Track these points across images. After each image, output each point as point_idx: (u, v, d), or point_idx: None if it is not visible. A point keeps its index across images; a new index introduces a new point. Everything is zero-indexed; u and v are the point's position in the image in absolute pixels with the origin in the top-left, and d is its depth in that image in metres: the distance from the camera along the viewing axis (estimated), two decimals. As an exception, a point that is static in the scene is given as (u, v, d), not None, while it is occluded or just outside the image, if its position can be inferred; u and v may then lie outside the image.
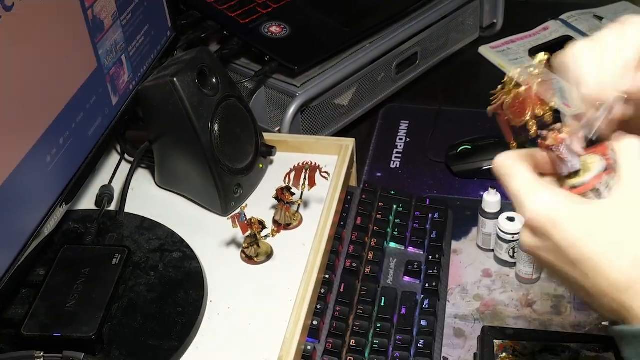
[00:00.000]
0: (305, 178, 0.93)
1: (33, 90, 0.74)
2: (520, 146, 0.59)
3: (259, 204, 0.96)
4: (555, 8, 1.46)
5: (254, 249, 0.89)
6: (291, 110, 1.10)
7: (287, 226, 0.94)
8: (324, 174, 0.93)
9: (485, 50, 1.38)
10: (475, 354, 0.87)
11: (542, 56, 0.57)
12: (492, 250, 0.99)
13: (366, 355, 0.84)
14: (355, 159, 1.06)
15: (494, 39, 1.40)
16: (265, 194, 0.97)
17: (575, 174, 0.58)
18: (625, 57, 0.57)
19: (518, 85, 0.58)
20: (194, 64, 0.93)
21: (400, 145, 1.20)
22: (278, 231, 0.91)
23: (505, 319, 0.91)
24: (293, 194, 0.93)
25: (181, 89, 0.90)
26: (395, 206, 1.02)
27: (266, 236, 0.89)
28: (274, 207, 0.95)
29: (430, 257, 0.96)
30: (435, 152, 1.17)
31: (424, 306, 0.89)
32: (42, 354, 0.74)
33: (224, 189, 0.94)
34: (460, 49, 1.37)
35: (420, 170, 1.15)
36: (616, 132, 0.58)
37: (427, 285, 0.92)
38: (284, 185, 0.92)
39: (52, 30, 0.77)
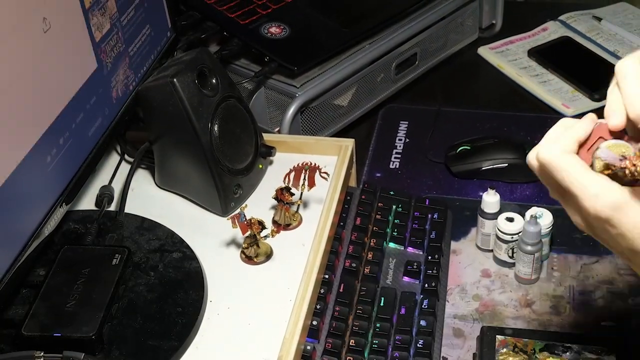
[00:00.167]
0: (304, 178, 0.93)
1: (33, 90, 0.74)
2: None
3: (259, 204, 0.96)
4: (554, 9, 1.47)
5: (253, 249, 0.90)
6: (291, 110, 1.10)
7: (287, 226, 0.94)
8: (323, 175, 0.93)
9: (484, 51, 1.38)
10: (474, 353, 0.87)
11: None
12: (491, 251, 0.99)
13: (365, 355, 0.84)
14: (354, 160, 1.06)
15: (493, 40, 1.40)
16: (265, 194, 0.97)
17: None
18: None
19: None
20: (194, 65, 0.93)
21: (400, 146, 1.20)
22: (278, 231, 0.91)
23: (504, 319, 0.91)
24: (292, 195, 0.93)
25: (181, 90, 0.90)
26: (394, 206, 1.02)
27: (266, 236, 0.89)
28: (273, 207, 0.96)
29: (430, 257, 0.96)
30: (435, 152, 1.17)
31: (423, 306, 0.89)
32: (42, 354, 0.74)
33: (223, 190, 0.94)
34: (459, 49, 1.37)
35: (420, 170, 1.15)
36: None
37: (426, 285, 0.92)
38: (283, 185, 0.92)
39: (53, 30, 0.77)
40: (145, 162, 1.03)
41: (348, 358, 0.83)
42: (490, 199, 0.98)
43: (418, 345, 0.85)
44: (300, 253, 0.90)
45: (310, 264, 0.87)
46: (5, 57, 0.69)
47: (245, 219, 0.86)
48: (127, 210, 0.96)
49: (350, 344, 0.85)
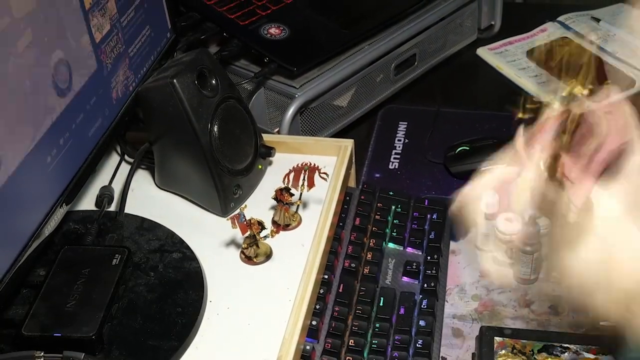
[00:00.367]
0: (304, 179, 0.93)
1: (33, 91, 0.74)
2: None
3: (258, 204, 0.96)
4: (552, 10, 1.47)
5: (253, 250, 0.90)
6: (290, 111, 1.10)
7: (286, 227, 0.94)
8: (322, 175, 0.94)
9: (483, 52, 1.38)
10: (473, 353, 0.87)
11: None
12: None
13: (365, 355, 0.84)
14: (354, 160, 1.06)
15: (492, 41, 1.40)
16: (265, 194, 0.98)
17: None
18: None
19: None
20: (194, 66, 0.93)
21: (399, 146, 1.21)
22: (277, 232, 0.91)
23: (503, 319, 0.91)
24: (292, 195, 0.93)
25: (181, 91, 0.91)
26: (393, 207, 1.02)
27: (265, 237, 0.90)
28: (273, 207, 0.96)
29: (429, 257, 0.96)
30: (434, 153, 1.18)
31: (422, 306, 0.90)
32: (42, 354, 0.74)
33: (223, 190, 0.95)
34: (458, 50, 1.37)
35: (419, 171, 1.16)
36: None
37: (425, 285, 0.93)
38: (283, 186, 0.93)
39: (53, 30, 0.77)
40: (145, 163, 1.03)
41: (347, 358, 0.83)
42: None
43: (417, 345, 0.85)
44: (299, 253, 0.90)
45: (309, 264, 0.87)
46: (5, 57, 0.69)
47: (245, 219, 0.86)
48: (127, 210, 0.96)
49: (350, 344, 0.85)
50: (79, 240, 0.91)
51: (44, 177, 0.78)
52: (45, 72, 0.76)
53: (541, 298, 0.94)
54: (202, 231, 0.94)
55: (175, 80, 0.90)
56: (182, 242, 0.92)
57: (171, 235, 0.93)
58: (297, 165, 0.93)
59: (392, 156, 1.19)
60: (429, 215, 1.02)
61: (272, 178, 1.00)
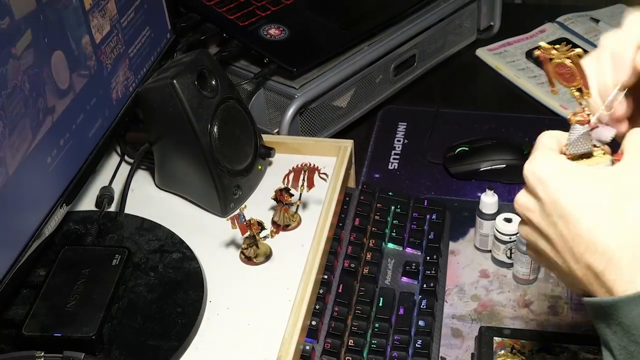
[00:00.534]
0: (304, 179, 0.93)
1: (33, 91, 0.74)
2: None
3: (258, 205, 0.97)
4: (551, 10, 1.47)
5: (253, 250, 0.90)
6: (290, 111, 1.10)
7: (286, 227, 0.94)
8: (322, 176, 0.94)
9: (482, 53, 1.38)
10: (472, 353, 0.88)
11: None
12: (490, 251, 0.99)
13: (364, 355, 0.85)
14: (353, 161, 1.06)
15: (491, 42, 1.40)
16: (264, 195, 0.98)
17: (584, 158, 0.60)
18: (619, 54, 0.60)
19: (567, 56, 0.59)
20: (194, 66, 0.93)
21: (399, 147, 1.21)
22: (277, 232, 0.91)
23: (502, 319, 0.92)
24: (292, 195, 0.93)
25: (181, 91, 0.91)
26: (393, 207, 1.02)
27: (265, 237, 0.90)
28: (272, 208, 0.96)
29: (428, 257, 0.96)
30: (433, 153, 1.18)
31: (421, 306, 0.90)
32: (42, 354, 0.74)
33: (223, 190, 0.95)
34: (457, 51, 1.37)
35: (418, 171, 1.16)
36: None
37: (424, 285, 0.93)
38: (282, 186, 0.93)
39: (53, 31, 0.77)
40: (145, 163, 1.03)
41: (347, 358, 0.84)
42: (489, 200, 0.99)
43: (416, 345, 0.85)
44: (299, 253, 0.91)
45: (309, 264, 0.88)
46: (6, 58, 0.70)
47: (245, 219, 0.86)
48: (127, 211, 0.96)
49: (349, 344, 0.85)
50: (79, 241, 0.91)
51: (44, 177, 0.78)
52: (45, 73, 0.76)
53: (540, 298, 0.94)
54: (202, 231, 0.94)
55: (175, 81, 0.91)
56: (182, 242, 0.92)
57: (171, 235, 0.93)
58: (297, 166, 0.94)
59: (392, 157, 1.19)
60: (428, 216, 1.02)
61: (272, 178, 1.00)
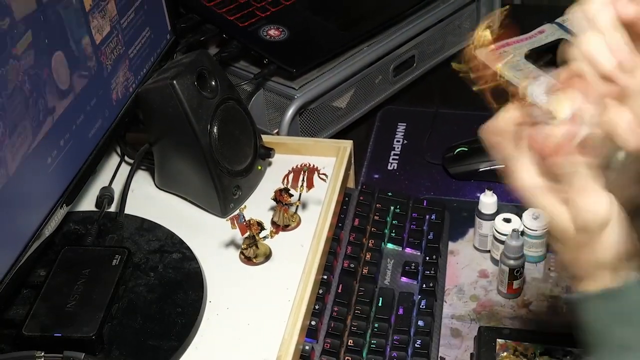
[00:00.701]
0: (303, 180, 0.94)
1: (34, 92, 0.75)
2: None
3: (258, 205, 0.97)
4: (550, 11, 1.47)
5: (252, 250, 0.90)
6: (289, 112, 1.11)
7: (286, 227, 0.94)
8: (322, 176, 0.94)
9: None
10: (471, 354, 0.88)
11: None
12: (489, 251, 1.00)
13: (364, 355, 0.85)
14: (352, 161, 1.06)
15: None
16: (264, 195, 0.98)
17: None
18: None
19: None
20: (194, 67, 0.93)
21: (398, 147, 1.21)
22: (276, 232, 0.91)
23: (501, 319, 0.92)
24: (291, 196, 0.93)
25: (181, 92, 0.91)
26: (392, 207, 1.03)
27: (265, 237, 0.90)
28: (272, 208, 0.96)
29: (427, 258, 0.96)
30: (432, 154, 1.18)
31: (421, 306, 0.90)
32: (42, 354, 0.74)
33: (222, 191, 0.95)
34: (457, 51, 1.37)
35: (418, 172, 1.16)
36: None
37: (424, 285, 0.93)
38: (282, 186, 0.93)
39: (53, 32, 0.78)
40: (145, 164, 1.03)
41: (346, 358, 0.84)
42: (488, 200, 0.99)
43: (416, 345, 0.86)
44: (299, 254, 0.91)
45: (308, 264, 0.88)
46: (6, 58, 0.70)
47: (244, 220, 0.86)
48: (127, 211, 0.96)
49: (349, 344, 0.85)
50: (79, 241, 0.91)
51: (45, 178, 0.78)
52: (45, 74, 0.76)
53: (539, 298, 0.94)
54: (202, 232, 0.94)
55: (175, 82, 0.91)
56: (181, 242, 0.92)
57: (171, 235, 0.93)
58: (297, 166, 0.94)
59: (391, 157, 1.19)
60: (427, 216, 1.02)
61: (272, 179, 1.00)
